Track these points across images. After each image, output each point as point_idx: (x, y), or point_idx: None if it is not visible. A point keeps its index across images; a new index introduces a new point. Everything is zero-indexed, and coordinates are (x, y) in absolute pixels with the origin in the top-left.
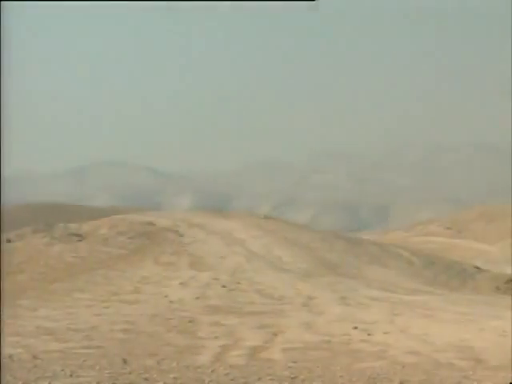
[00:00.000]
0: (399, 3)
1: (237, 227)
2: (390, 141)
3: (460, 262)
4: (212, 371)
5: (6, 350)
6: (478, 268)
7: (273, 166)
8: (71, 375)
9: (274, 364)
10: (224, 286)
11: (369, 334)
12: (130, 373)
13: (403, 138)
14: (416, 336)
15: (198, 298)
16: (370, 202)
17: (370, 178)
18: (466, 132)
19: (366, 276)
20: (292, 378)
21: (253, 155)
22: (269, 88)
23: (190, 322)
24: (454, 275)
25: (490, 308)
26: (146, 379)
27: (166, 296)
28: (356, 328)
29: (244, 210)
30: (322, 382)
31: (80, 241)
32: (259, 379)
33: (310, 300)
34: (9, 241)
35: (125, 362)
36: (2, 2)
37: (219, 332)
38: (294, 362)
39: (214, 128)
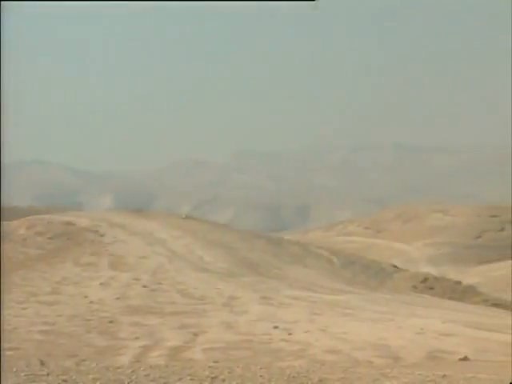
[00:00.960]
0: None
1: (158, 227)
2: (312, 141)
3: (379, 261)
4: (132, 372)
5: None
6: (396, 267)
7: (195, 165)
8: None
9: (195, 364)
10: (145, 286)
11: (289, 334)
12: (47, 374)
13: (326, 139)
14: (335, 335)
15: (118, 298)
16: (291, 201)
17: (291, 178)
18: (386, 133)
19: (287, 276)
20: (212, 378)
21: (175, 155)
22: (192, 88)
23: (110, 322)
24: (373, 274)
25: (408, 307)
26: (64, 381)
27: (85, 297)
28: (277, 327)
29: (165, 210)
30: (242, 381)
31: None
32: (180, 379)
33: (231, 300)
34: None
35: (42, 363)
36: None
37: (140, 332)
38: (215, 362)
39: (138, 127)
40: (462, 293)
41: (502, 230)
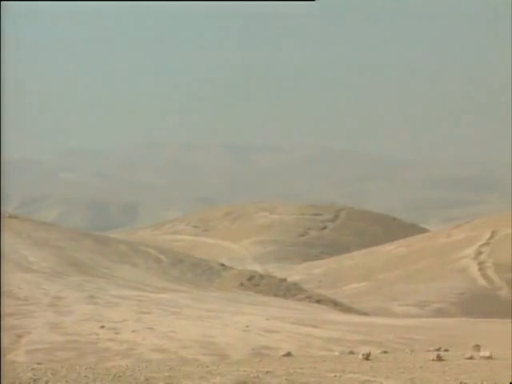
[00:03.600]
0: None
1: None
2: (141, 139)
3: (207, 259)
4: None
5: None
6: (223, 265)
7: (22, 163)
8: None
9: (17, 366)
10: None
11: (116, 333)
12: None
13: (155, 137)
14: (163, 333)
15: None
16: (118, 200)
17: (119, 176)
18: (214, 132)
19: (114, 275)
20: (34, 380)
21: (5, 154)
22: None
23: None
24: (201, 273)
25: (234, 304)
26: None
27: None
28: (103, 327)
29: None
30: (66, 382)
31: None
32: None
33: (57, 300)
34: None
35: None
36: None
37: None
38: (39, 364)
39: None
40: (286, 290)
41: (325, 228)
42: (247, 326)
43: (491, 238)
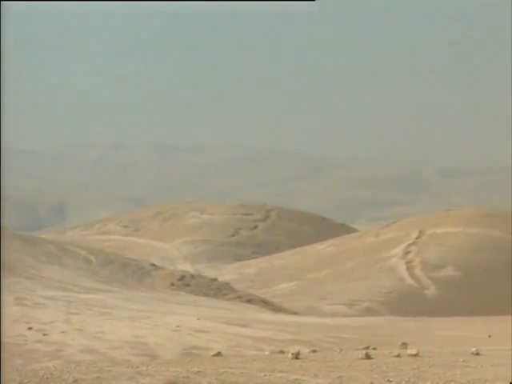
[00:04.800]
0: None
1: None
2: (68, 139)
3: (137, 259)
4: None
5: None
6: (154, 265)
7: None
8: None
9: None
10: None
11: (45, 334)
12: None
13: (82, 137)
14: (92, 334)
15: None
16: (47, 200)
17: (47, 176)
18: (144, 131)
19: (43, 276)
20: None
21: None
22: None
23: None
24: (132, 273)
25: (165, 304)
26: None
27: None
28: (31, 328)
29: None
30: None
31: None
32: None
33: None
34: None
35: None
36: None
37: None
38: None
39: None
40: (217, 290)
41: (255, 228)
42: (178, 326)
43: (418, 237)
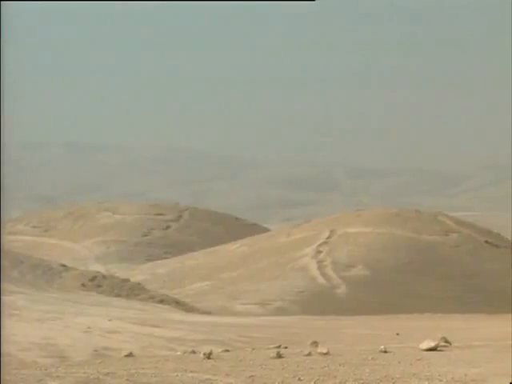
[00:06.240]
0: None
1: None
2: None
3: (47, 260)
4: None
5: None
6: (64, 266)
7: None
8: None
9: None
10: None
11: None
12: None
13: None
14: (2, 336)
15: None
16: None
17: None
18: (57, 131)
19: None
20: None
21: None
22: None
23: None
24: (41, 274)
25: (76, 305)
26: None
27: None
28: None
29: None
30: None
31: None
32: None
33: None
34: None
35: None
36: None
37: None
38: None
39: None
40: (129, 290)
41: (168, 228)
42: (89, 327)
43: (329, 237)
